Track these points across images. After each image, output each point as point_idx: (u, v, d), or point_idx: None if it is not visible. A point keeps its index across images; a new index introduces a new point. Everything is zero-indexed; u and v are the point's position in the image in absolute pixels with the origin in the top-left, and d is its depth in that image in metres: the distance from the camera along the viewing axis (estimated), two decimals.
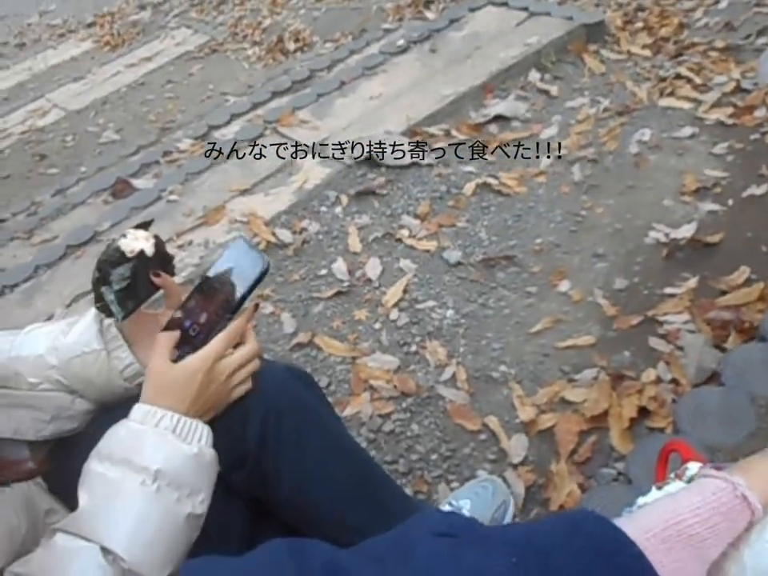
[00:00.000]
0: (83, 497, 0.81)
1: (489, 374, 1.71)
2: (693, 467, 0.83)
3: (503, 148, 2.39)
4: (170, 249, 2.23)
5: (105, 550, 0.76)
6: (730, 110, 2.28)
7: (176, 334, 0.92)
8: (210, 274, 0.96)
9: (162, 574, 0.79)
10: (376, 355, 1.81)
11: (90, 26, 5.69)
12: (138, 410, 0.86)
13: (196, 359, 0.88)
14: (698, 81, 2.44)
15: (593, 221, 2.05)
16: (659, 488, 0.83)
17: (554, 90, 2.59)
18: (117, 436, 0.85)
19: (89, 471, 0.83)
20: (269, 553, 0.66)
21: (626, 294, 1.82)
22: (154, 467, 0.80)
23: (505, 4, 3.06)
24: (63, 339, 1.01)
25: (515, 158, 2.34)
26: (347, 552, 0.66)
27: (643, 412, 1.52)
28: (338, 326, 1.92)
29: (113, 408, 0.99)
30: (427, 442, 1.61)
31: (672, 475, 0.85)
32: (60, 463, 0.85)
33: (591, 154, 2.27)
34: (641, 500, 0.82)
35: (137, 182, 2.73)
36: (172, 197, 2.48)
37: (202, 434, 0.86)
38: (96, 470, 0.82)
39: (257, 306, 0.92)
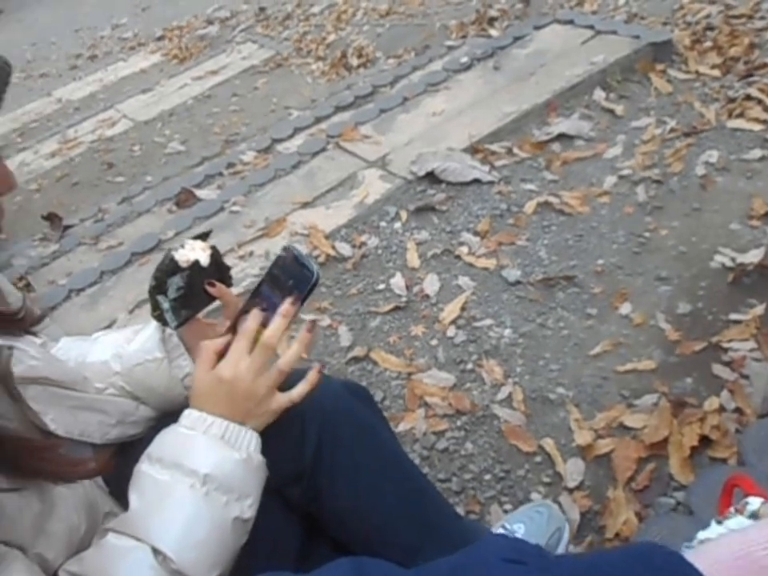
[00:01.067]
0: (134, 498, 0.83)
1: (546, 395, 1.69)
2: (754, 502, 0.81)
3: (566, 167, 2.37)
4: (231, 259, 2.28)
5: (155, 551, 0.78)
6: None
7: (218, 341, 0.92)
8: (262, 284, 0.96)
9: None
10: (432, 372, 1.81)
11: (159, 39, 5.85)
12: (188, 416, 0.88)
13: (220, 366, 0.89)
14: None
15: (657, 243, 2.01)
16: (719, 522, 0.81)
17: (619, 109, 2.55)
18: (167, 440, 0.87)
19: (139, 473, 0.84)
20: (335, 570, 0.66)
21: (689, 318, 1.78)
22: (203, 471, 0.81)
23: (570, 22, 3.04)
24: (127, 347, 1.03)
25: (578, 177, 2.32)
26: (411, 572, 0.66)
27: (705, 441, 1.47)
28: (394, 341, 1.92)
29: (174, 416, 1.01)
30: (481, 462, 1.59)
31: (732, 510, 0.82)
32: (121, 468, 0.87)
33: (656, 174, 2.23)
34: (701, 535, 0.79)
35: (200, 193, 2.78)
36: (234, 208, 2.52)
37: (250, 440, 0.87)
38: (147, 473, 0.84)
39: (313, 323, 0.92)
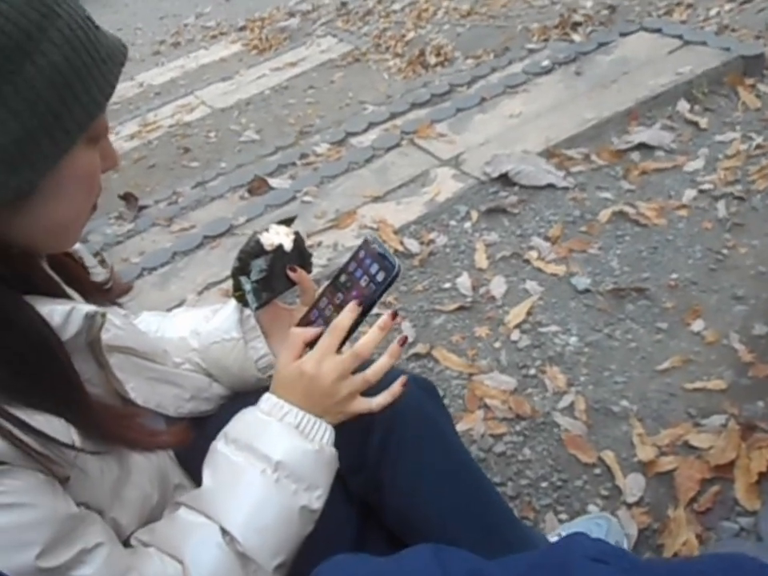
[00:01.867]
0: (207, 475, 0.84)
1: (609, 407, 1.66)
2: None
3: (644, 177, 2.32)
4: None
5: (223, 531, 0.79)
6: None
7: (308, 331, 0.92)
8: (342, 273, 0.96)
9: (272, 562, 0.80)
10: (493, 374, 1.79)
11: (240, 29, 5.94)
12: (266, 400, 0.88)
13: (304, 360, 0.88)
14: None
15: (735, 261, 1.95)
16: None
17: (703, 122, 2.49)
18: (244, 422, 0.88)
19: (215, 451, 0.86)
20: (416, 557, 0.66)
21: (765, 340, 1.72)
22: (276, 458, 0.82)
23: (658, 30, 2.97)
24: (205, 325, 1.05)
25: (656, 188, 2.27)
26: (492, 564, 0.65)
27: None
28: (457, 340, 1.91)
29: (245, 396, 1.02)
30: (538, 469, 1.57)
31: None
32: (192, 442, 0.88)
33: (738, 191, 2.16)
34: None
35: (273, 181, 2.82)
36: (306, 198, 2.54)
37: (324, 433, 0.87)
38: (222, 451, 0.85)
39: (395, 314, 0.90)
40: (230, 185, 2.95)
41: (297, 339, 0.91)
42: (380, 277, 0.91)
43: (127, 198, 3.18)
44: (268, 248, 0.97)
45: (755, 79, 2.64)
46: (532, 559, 0.65)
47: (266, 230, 0.98)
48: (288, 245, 0.98)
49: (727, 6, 3.33)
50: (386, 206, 2.41)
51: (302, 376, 0.87)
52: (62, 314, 0.71)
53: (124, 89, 5.35)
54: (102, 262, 2.73)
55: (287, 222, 1.02)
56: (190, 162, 3.72)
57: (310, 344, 0.91)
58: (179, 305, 2.19)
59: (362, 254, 0.94)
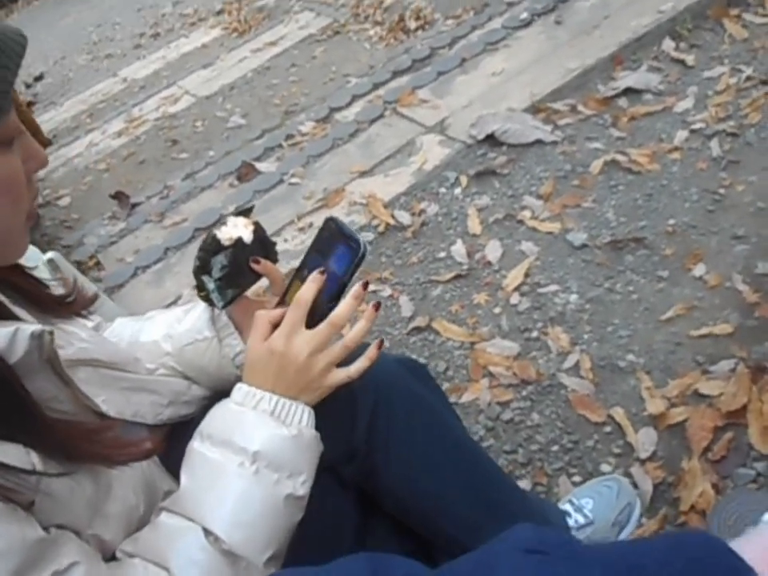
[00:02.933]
0: (184, 476, 0.82)
1: (615, 363, 1.62)
2: None
3: (634, 123, 2.26)
4: (291, 231, 2.27)
5: (206, 531, 0.76)
6: None
7: (273, 312, 0.88)
8: (308, 258, 0.92)
9: (262, 556, 0.78)
10: (495, 341, 1.76)
11: (218, 13, 5.85)
12: (238, 390, 0.86)
13: (272, 338, 0.85)
14: None
15: (732, 199, 1.90)
16: None
17: (690, 59, 2.42)
18: (217, 416, 0.85)
19: (191, 450, 0.83)
20: (349, 566, 0.63)
21: None
22: (253, 449, 0.79)
23: None
24: (177, 326, 1.02)
25: (647, 133, 2.21)
26: (434, 572, 0.62)
27: None
28: (456, 310, 1.88)
29: (227, 394, 1.00)
30: (548, 433, 1.55)
31: None
32: (178, 447, 0.86)
33: (731, 127, 2.10)
34: None
35: (260, 166, 2.78)
36: (293, 180, 2.51)
37: (302, 415, 0.84)
38: (197, 450, 0.82)
39: (366, 284, 0.86)
40: (218, 173, 2.92)
41: (262, 320, 0.87)
42: (346, 257, 0.87)
43: (119, 196, 3.16)
44: (227, 242, 0.93)
45: (740, 9, 2.55)
46: (474, 558, 0.62)
47: (224, 223, 0.95)
48: (248, 236, 0.94)
49: None
50: (374, 180, 2.37)
51: (273, 354, 0.84)
52: (6, 336, 0.68)
53: (108, 86, 5.30)
54: (98, 264, 2.73)
55: (245, 212, 0.98)
56: (179, 154, 3.68)
57: (277, 325, 0.88)
58: (175, 301, 2.18)
59: (325, 235, 0.90)
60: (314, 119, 2.99)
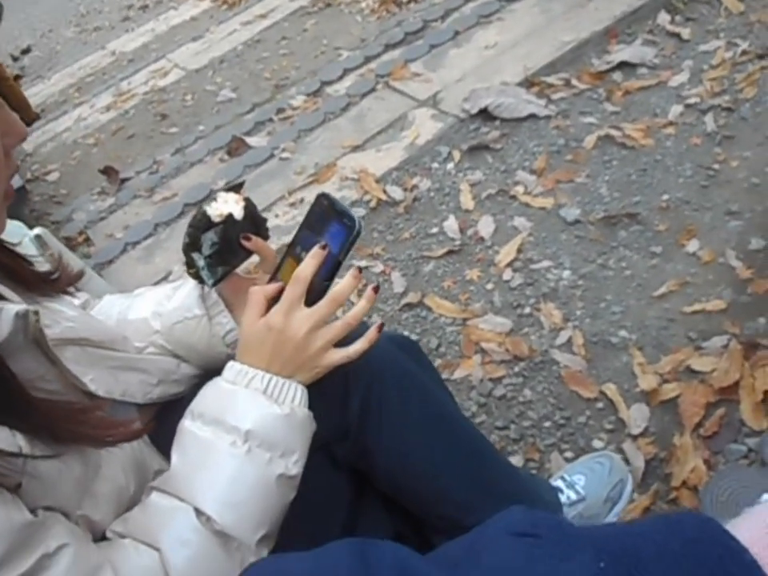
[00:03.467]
0: (175, 456, 0.81)
1: (607, 339, 1.62)
2: None
3: (628, 97, 2.24)
4: (282, 207, 2.25)
5: (198, 511, 0.75)
6: None
7: (268, 288, 0.87)
8: (299, 235, 0.90)
9: (254, 536, 0.77)
10: (488, 317, 1.75)
11: None
12: (230, 368, 0.84)
13: (270, 314, 0.84)
14: None
15: (727, 175, 1.89)
16: None
17: (685, 32, 2.39)
18: (209, 395, 0.84)
19: (182, 429, 0.82)
20: (335, 551, 0.62)
21: (762, 255, 1.67)
22: (245, 428, 0.78)
23: None
24: (167, 304, 1.00)
25: (641, 107, 2.19)
26: (424, 559, 0.61)
27: None
28: (448, 285, 1.87)
29: (217, 372, 0.99)
30: (540, 409, 1.54)
31: None
32: (168, 426, 0.85)
33: (726, 102, 2.08)
34: None
35: (251, 140, 2.75)
36: (284, 154, 2.48)
37: (295, 394, 0.83)
38: (188, 429, 0.81)
39: (360, 269, 0.86)
40: (208, 148, 2.89)
41: (258, 296, 0.86)
42: (341, 234, 0.86)
43: (108, 171, 3.12)
44: (217, 219, 0.91)
45: None
46: (464, 542, 0.61)
47: (214, 199, 0.93)
48: (238, 213, 0.92)
49: None
50: (366, 155, 2.35)
51: (270, 331, 0.83)
52: None
53: (96, 59, 5.23)
54: (87, 240, 2.70)
55: (236, 188, 0.95)
56: (168, 129, 3.64)
57: (273, 301, 0.86)
58: (165, 277, 2.16)
59: (317, 211, 0.89)
60: (305, 93, 2.96)
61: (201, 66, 4.16)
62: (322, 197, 0.88)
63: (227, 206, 0.92)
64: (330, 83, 2.95)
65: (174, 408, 0.95)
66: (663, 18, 2.48)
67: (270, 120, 2.89)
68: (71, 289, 0.94)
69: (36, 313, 0.70)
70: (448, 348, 1.73)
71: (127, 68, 4.73)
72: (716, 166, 1.92)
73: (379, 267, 1.98)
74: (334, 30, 3.97)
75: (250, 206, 0.94)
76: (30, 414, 0.67)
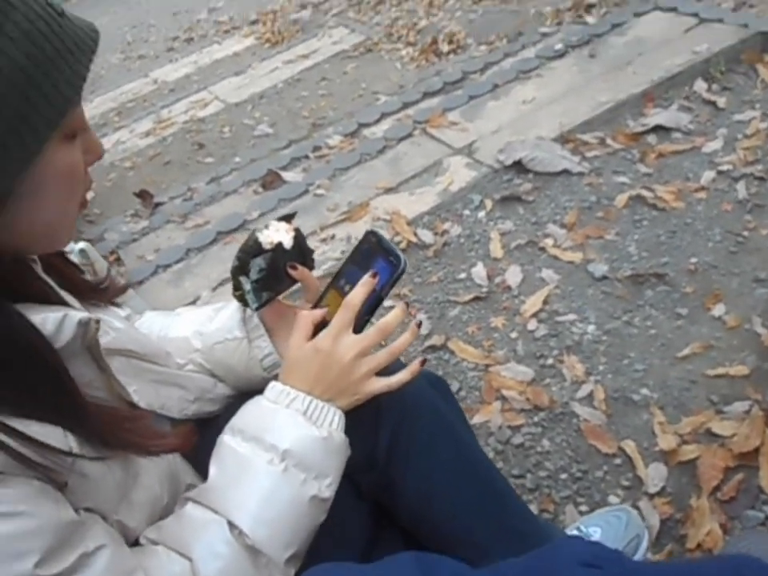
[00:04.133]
0: (213, 469, 0.83)
1: (629, 395, 1.63)
2: None
3: (661, 160, 2.27)
4: (313, 242, 2.29)
5: (231, 525, 0.77)
6: None
7: (316, 312, 0.91)
8: (344, 268, 0.94)
9: (284, 554, 0.79)
10: (510, 365, 1.77)
11: (253, 23, 5.92)
12: (272, 388, 0.87)
13: (318, 338, 0.87)
14: None
15: (756, 243, 1.91)
16: None
17: (721, 101, 2.43)
18: (250, 412, 0.86)
19: (221, 443, 0.85)
20: (397, 565, 0.64)
21: None
22: (283, 447, 0.81)
23: (673, 9, 2.91)
24: (209, 325, 1.04)
25: (674, 171, 2.22)
26: (480, 572, 0.63)
27: None
28: (473, 331, 1.89)
29: (250, 395, 1.01)
30: (557, 460, 1.55)
31: None
32: (199, 443, 0.87)
33: (759, 171, 2.11)
34: None
35: (286, 175, 2.80)
36: (319, 191, 2.53)
37: (333, 418, 0.86)
38: (228, 443, 0.84)
39: (407, 304, 0.90)
40: (243, 179, 2.94)
41: (305, 320, 0.89)
42: (386, 271, 0.89)
43: (142, 195, 3.18)
44: (267, 246, 0.95)
45: None
46: (525, 564, 0.63)
47: (266, 227, 0.96)
48: (288, 242, 0.96)
49: None
50: (399, 197, 2.38)
51: (318, 353, 0.86)
52: (55, 321, 0.69)
53: (139, 86, 5.36)
54: (118, 260, 2.75)
55: (287, 218, 0.99)
56: (204, 158, 3.71)
57: (319, 327, 0.90)
58: (194, 302, 2.19)
59: (365, 247, 0.92)
60: (342, 133, 3.01)
61: (240, 100, 4.25)
62: (371, 233, 0.92)
63: (278, 234, 0.95)
64: (367, 125, 3.01)
65: (206, 426, 0.98)
66: (700, 85, 2.52)
67: (306, 157, 2.95)
68: (118, 300, 0.97)
69: (97, 321, 0.73)
70: (468, 393, 1.74)
71: (168, 97, 4.85)
72: (745, 233, 1.94)
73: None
74: (373, 75, 4.07)
75: (299, 237, 0.98)
76: (83, 417, 0.69)
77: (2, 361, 0.64)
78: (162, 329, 1.07)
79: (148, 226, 2.86)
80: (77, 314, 0.71)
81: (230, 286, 2.28)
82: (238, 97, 4.31)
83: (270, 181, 2.81)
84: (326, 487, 0.82)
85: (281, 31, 5.35)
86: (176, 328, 1.06)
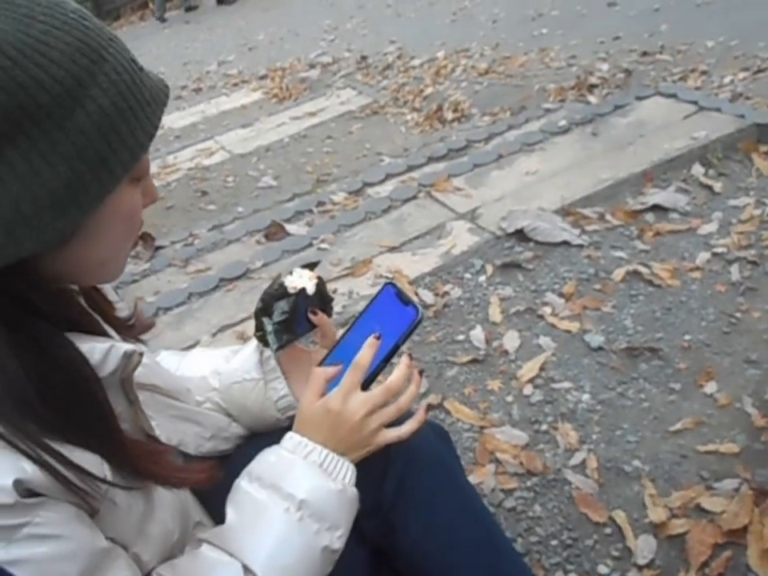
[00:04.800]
0: (231, 513, 0.85)
1: (621, 466, 1.65)
2: None
3: (658, 238, 2.34)
4: None
5: (245, 568, 0.79)
6: None
7: (329, 369, 0.94)
8: (361, 318, 0.98)
9: None
10: (505, 428, 1.79)
11: (262, 78, 6.07)
12: (290, 438, 0.89)
13: (330, 398, 0.90)
14: None
15: (748, 324, 1.96)
16: None
17: (717, 186, 2.52)
18: (268, 460, 0.88)
19: (239, 488, 0.86)
20: None
21: None
22: (300, 497, 0.83)
23: (674, 96, 3.04)
24: (226, 365, 1.07)
25: (670, 250, 2.29)
26: None
27: None
28: (469, 392, 1.91)
29: (262, 436, 1.03)
30: (548, 526, 1.56)
31: None
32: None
33: (752, 255, 2.18)
34: None
35: (290, 227, 2.85)
36: (323, 245, 2.57)
37: (347, 472, 0.88)
38: (245, 489, 0.86)
39: (410, 356, 0.94)
40: (246, 229, 2.98)
41: (318, 378, 0.92)
42: (401, 322, 0.93)
43: (144, 237, 3.21)
44: (291, 291, 0.99)
45: None
46: None
47: (290, 273, 1.01)
48: (311, 288, 1.00)
49: (741, 75, 3.40)
50: (402, 257, 2.43)
51: (329, 413, 0.88)
52: (102, 351, 0.72)
53: None
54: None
55: (311, 266, 1.04)
56: (207, 205, 3.77)
57: (332, 382, 0.93)
58: (193, 345, 2.20)
59: (383, 298, 0.96)
60: (347, 191, 3.08)
61: (246, 152, 4.34)
62: (390, 285, 0.96)
63: (301, 280, 1.00)
64: (371, 185, 3.08)
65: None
66: (697, 169, 2.62)
67: (310, 211, 3.00)
68: (144, 337, 1.00)
69: (141, 354, 0.76)
70: (463, 453, 1.75)
71: (173, 143, 4.93)
72: (738, 315, 1.99)
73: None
74: (378, 137, 4.18)
75: (321, 284, 1.02)
76: (119, 447, 0.71)
77: (52, 387, 0.66)
78: (177, 368, 1.10)
79: (149, 269, 2.88)
80: (122, 345, 0.74)
81: (230, 333, 2.29)
82: (244, 148, 4.40)
83: (274, 232, 2.85)
84: (338, 539, 0.85)
85: (289, 88, 5.49)
86: (191, 368, 1.09)
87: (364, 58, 5.63)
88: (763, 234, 2.26)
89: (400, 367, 0.91)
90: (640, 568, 1.44)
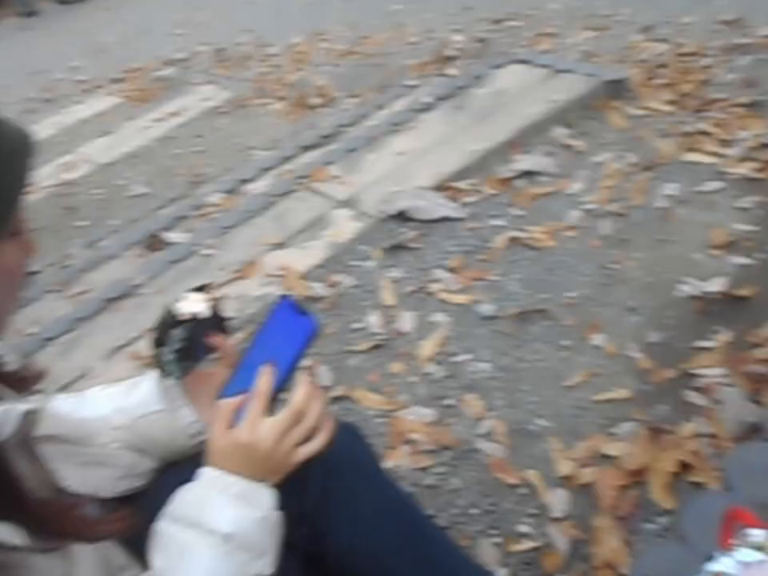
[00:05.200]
0: (157, 558, 0.83)
1: (526, 427, 1.72)
2: (758, 534, 0.85)
3: (532, 202, 2.43)
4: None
5: None
6: (756, 164, 2.32)
7: (233, 401, 0.91)
8: (260, 334, 0.95)
9: None
10: (413, 408, 1.83)
11: (116, 81, 5.82)
12: (205, 474, 0.88)
13: (236, 431, 0.88)
14: (722, 136, 2.49)
15: (624, 274, 2.08)
16: (725, 555, 0.84)
17: (579, 145, 2.64)
18: (186, 498, 0.87)
19: (162, 532, 0.84)
20: None
21: (660, 347, 1.84)
22: (224, 530, 0.82)
23: (528, 62, 3.14)
24: (128, 399, 1.04)
25: (544, 212, 2.39)
26: None
27: (684, 466, 1.52)
28: (374, 379, 1.94)
29: (174, 467, 1.02)
30: (468, 496, 1.61)
31: (737, 541, 0.86)
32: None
33: (619, 208, 2.31)
34: (712, 567, 0.83)
35: (170, 236, 2.78)
36: (207, 251, 2.53)
37: (267, 498, 0.88)
38: (168, 532, 0.84)
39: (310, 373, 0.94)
40: (124, 243, 2.89)
41: (224, 410, 0.90)
42: (299, 334, 0.93)
43: None
44: (184, 317, 0.97)
45: (621, 102, 2.83)
46: None
47: (181, 298, 0.99)
48: (204, 312, 0.98)
49: (587, 34, 3.56)
50: (289, 252, 2.43)
51: (239, 446, 0.87)
52: None
53: None
54: None
55: (202, 288, 1.02)
56: (78, 222, 3.60)
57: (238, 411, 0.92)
58: (86, 374, 2.13)
59: (279, 312, 0.95)
60: (222, 190, 3.03)
61: (111, 161, 4.16)
62: (285, 298, 0.96)
63: (193, 304, 0.98)
64: (247, 182, 3.04)
65: (131, 503, 0.97)
66: (559, 131, 2.73)
67: (188, 216, 2.93)
68: (36, 388, 0.96)
69: (41, 411, 0.73)
70: (376, 439, 1.77)
71: None
72: (614, 266, 2.11)
73: (306, 361, 2.02)
74: (247, 130, 4.10)
75: (215, 306, 1.00)
76: (31, 511, 0.69)
77: None
78: (74, 410, 1.05)
79: (26, 298, 2.75)
80: (20, 405, 0.71)
81: (122, 355, 2.23)
82: (109, 157, 4.22)
83: (154, 243, 2.78)
84: (267, 564, 0.85)
85: (147, 89, 5.30)
86: (93, 407, 1.05)
87: (221, 50, 5.50)
88: (626, 187, 2.39)
89: (301, 387, 0.90)
90: (557, 521, 1.51)
